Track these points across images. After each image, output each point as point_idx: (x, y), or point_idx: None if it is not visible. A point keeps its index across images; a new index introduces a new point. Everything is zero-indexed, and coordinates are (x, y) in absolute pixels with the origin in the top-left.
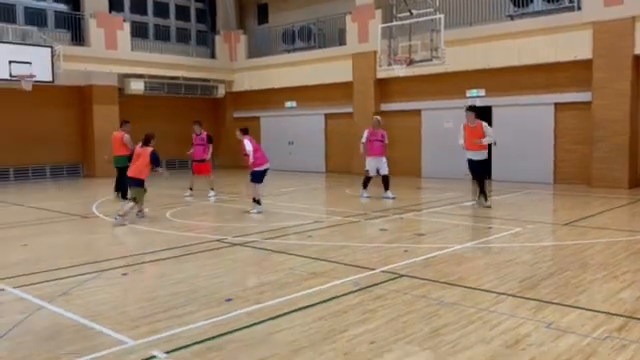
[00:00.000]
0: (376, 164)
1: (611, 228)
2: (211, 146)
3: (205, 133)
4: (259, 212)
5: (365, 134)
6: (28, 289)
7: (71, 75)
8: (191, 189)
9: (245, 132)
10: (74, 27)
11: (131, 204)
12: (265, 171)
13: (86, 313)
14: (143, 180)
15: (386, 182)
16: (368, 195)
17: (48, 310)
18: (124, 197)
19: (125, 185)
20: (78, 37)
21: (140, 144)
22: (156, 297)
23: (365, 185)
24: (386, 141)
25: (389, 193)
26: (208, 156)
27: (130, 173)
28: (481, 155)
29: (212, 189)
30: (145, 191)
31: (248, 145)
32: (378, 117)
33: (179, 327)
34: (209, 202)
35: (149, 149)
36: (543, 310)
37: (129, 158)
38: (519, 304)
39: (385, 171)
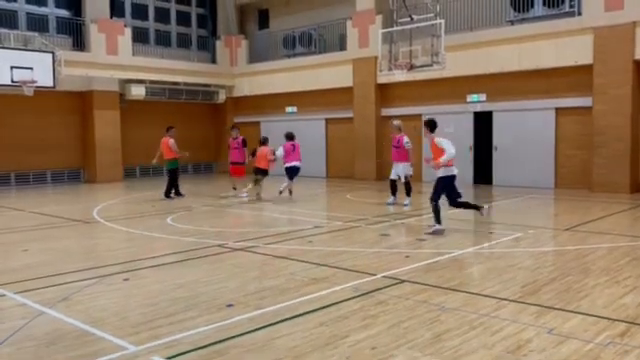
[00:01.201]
0: (394, 169)
1: (613, 233)
2: (246, 150)
3: (241, 137)
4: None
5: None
6: (29, 294)
7: (72, 80)
8: (235, 188)
9: (264, 142)
10: (75, 33)
11: (250, 185)
12: (292, 168)
13: (87, 319)
14: (266, 169)
15: (406, 188)
16: (392, 202)
17: (49, 316)
18: (177, 194)
19: (171, 186)
20: (79, 43)
21: (259, 145)
22: (157, 302)
23: (392, 191)
24: (402, 146)
25: (405, 199)
26: (245, 159)
27: (256, 164)
28: (440, 172)
29: (244, 189)
30: (262, 178)
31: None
32: (394, 122)
33: (180, 333)
34: (205, 204)
35: (266, 147)
36: (545, 315)
37: (176, 161)
38: (521, 309)
39: (403, 177)
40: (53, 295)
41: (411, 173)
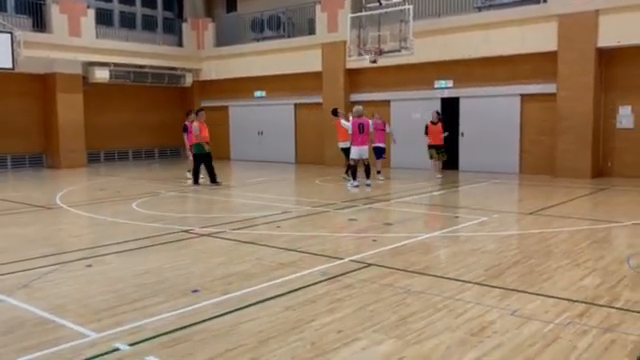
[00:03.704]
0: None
1: (574, 217)
2: None
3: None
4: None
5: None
6: None
7: (33, 62)
8: (189, 171)
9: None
10: (35, 13)
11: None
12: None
13: (47, 306)
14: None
15: (366, 170)
16: (357, 184)
17: (7, 303)
18: (196, 181)
19: (197, 170)
20: (40, 23)
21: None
22: (121, 289)
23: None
24: (366, 131)
25: (366, 180)
26: None
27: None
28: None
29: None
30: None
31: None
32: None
33: (144, 319)
34: (178, 192)
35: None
36: (508, 298)
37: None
38: (485, 292)
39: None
40: (12, 282)
41: (366, 156)
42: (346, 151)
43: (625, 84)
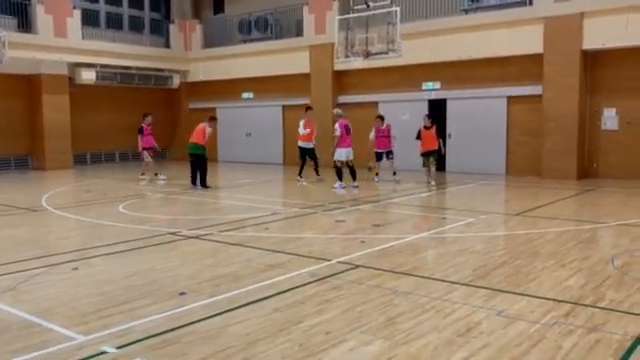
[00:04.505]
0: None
1: (560, 218)
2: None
3: None
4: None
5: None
6: None
7: (18, 63)
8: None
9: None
10: (20, 13)
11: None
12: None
13: (34, 309)
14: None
15: (352, 172)
16: (342, 186)
17: None
18: (203, 184)
19: (203, 173)
20: (25, 24)
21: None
22: (108, 291)
23: (340, 176)
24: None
25: (354, 182)
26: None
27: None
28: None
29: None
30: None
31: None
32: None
33: (132, 321)
34: (158, 191)
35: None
36: (494, 298)
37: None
38: (471, 292)
39: (348, 161)
40: None
41: (351, 158)
42: (302, 151)
43: (610, 86)
